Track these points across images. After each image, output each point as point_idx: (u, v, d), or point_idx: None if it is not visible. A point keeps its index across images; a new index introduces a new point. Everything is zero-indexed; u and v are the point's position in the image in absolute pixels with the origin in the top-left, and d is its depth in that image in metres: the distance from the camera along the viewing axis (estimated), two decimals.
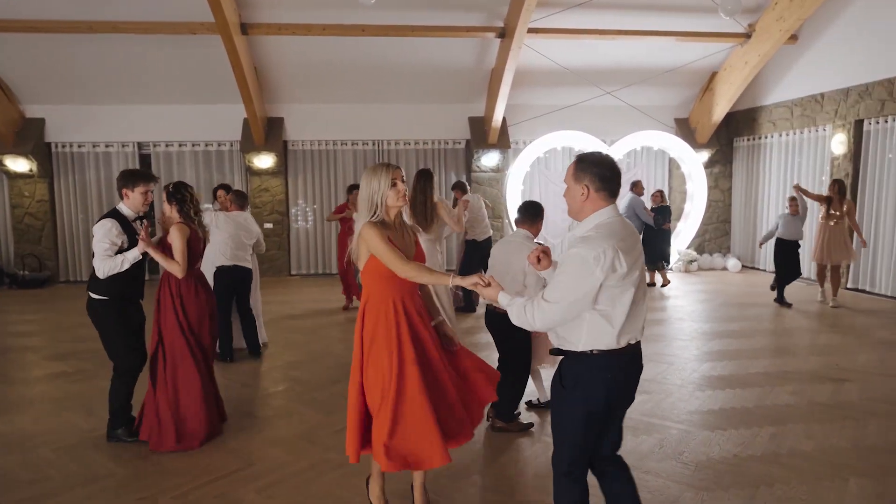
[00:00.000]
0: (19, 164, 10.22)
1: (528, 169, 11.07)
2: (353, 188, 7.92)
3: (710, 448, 3.81)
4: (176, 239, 3.92)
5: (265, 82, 10.21)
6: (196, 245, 4.09)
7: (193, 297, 4.05)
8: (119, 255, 3.86)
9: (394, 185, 2.84)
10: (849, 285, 8.92)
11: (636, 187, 9.92)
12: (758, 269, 11.18)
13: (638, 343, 2.40)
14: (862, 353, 5.79)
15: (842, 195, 7.84)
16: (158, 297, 4.06)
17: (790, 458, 3.68)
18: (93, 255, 3.95)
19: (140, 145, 10.77)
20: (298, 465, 3.70)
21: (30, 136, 10.23)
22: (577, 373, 2.35)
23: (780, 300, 8.12)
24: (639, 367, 2.45)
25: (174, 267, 3.93)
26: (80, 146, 10.61)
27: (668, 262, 10.28)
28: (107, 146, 10.68)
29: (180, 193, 4.03)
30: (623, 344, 2.32)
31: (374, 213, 2.84)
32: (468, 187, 8.37)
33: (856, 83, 8.87)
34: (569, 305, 2.24)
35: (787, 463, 3.61)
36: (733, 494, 3.23)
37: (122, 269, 3.85)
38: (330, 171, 11.19)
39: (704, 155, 11.64)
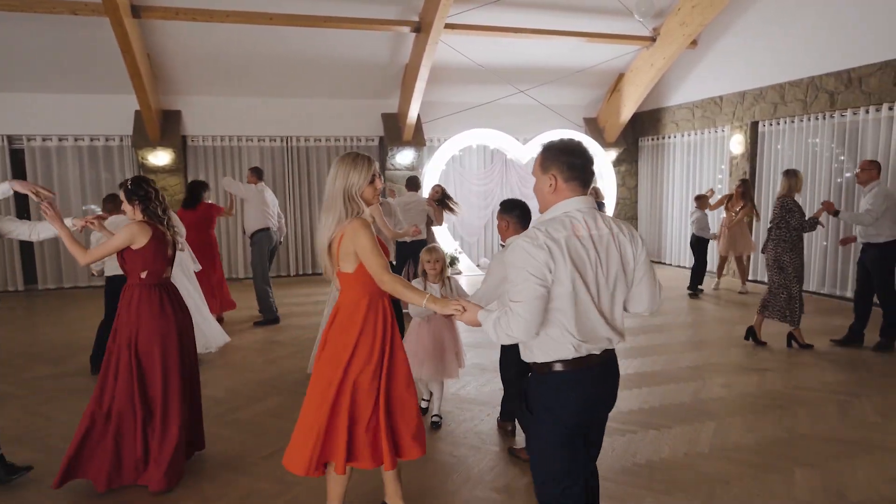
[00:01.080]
0: None
1: (444, 167, 10.92)
2: None
3: (660, 448, 3.79)
4: (117, 236, 3.34)
5: (160, 71, 9.35)
6: (161, 248, 3.43)
7: (158, 311, 3.38)
8: None
9: (372, 181, 2.67)
10: (750, 277, 9.49)
11: None
12: (664, 263, 11.70)
13: (609, 351, 2.14)
14: (775, 342, 6.09)
15: (745, 194, 8.56)
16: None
17: (737, 452, 3.72)
18: None
19: (11, 139, 9.55)
20: (227, 500, 3.27)
21: None
22: (542, 393, 2.09)
23: (695, 291, 8.64)
24: (613, 376, 2.19)
25: (77, 250, 3.33)
26: None
27: None
28: None
29: (142, 190, 3.39)
30: (584, 352, 2.04)
31: (349, 210, 2.62)
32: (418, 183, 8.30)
33: (751, 87, 9.46)
34: (535, 301, 1.95)
35: (736, 458, 3.64)
36: (692, 496, 3.20)
37: None
38: (234, 169, 10.46)
39: (613, 154, 12.04)
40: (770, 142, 9.33)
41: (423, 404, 4.44)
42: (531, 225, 2.19)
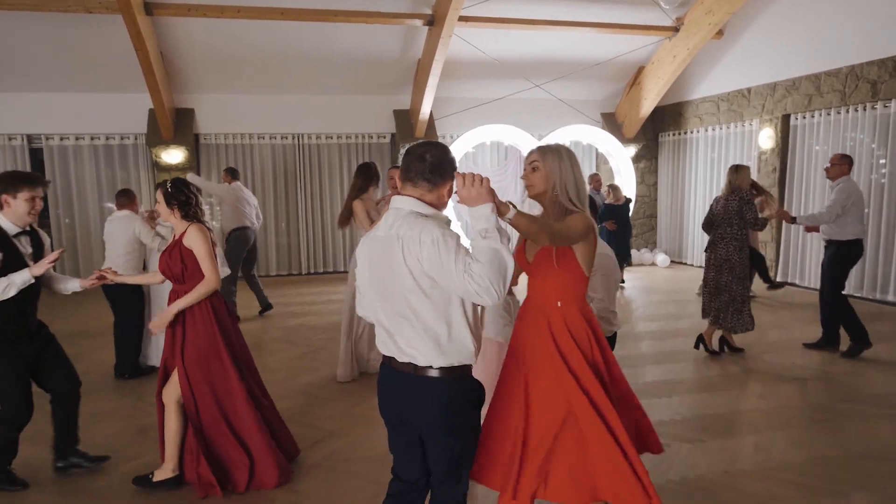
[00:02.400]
0: None
1: (457, 164, 10.69)
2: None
3: (695, 464, 3.54)
4: (198, 241, 3.23)
5: (173, 70, 9.28)
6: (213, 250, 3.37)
7: (207, 314, 3.30)
8: (3, 279, 3.06)
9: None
10: (778, 278, 9.15)
11: (593, 181, 9.50)
12: (685, 263, 11.38)
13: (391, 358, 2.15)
14: (813, 350, 5.77)
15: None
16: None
17: (783, 471, 3.45)
18: None
19: (30, 138, 9.56)
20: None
21: None
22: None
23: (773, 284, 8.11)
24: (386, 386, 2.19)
25: (205, 287, 3.22)
26: None
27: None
28: None
29: (183, 195, 3.29)
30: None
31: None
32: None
33: (783, 78, 9.09)
34: None
35: (783, 478, 3.37)
36: None
37: (7, 297, 3.05)
38: (247, 167, 10.38)
39: (632, 150, 11.73)
40: (804, 136, 8.96)
41: None
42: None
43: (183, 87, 9.68)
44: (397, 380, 2.13)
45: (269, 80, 9.83)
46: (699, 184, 11.04)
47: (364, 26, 8.93)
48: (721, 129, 10.52)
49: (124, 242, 5.34)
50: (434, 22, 8.90)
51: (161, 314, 3.31)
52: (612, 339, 3.37)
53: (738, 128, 10.14)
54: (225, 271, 6.06)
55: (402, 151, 10.53)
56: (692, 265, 11.12)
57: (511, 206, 2.13)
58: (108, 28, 7.98)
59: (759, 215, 5.53)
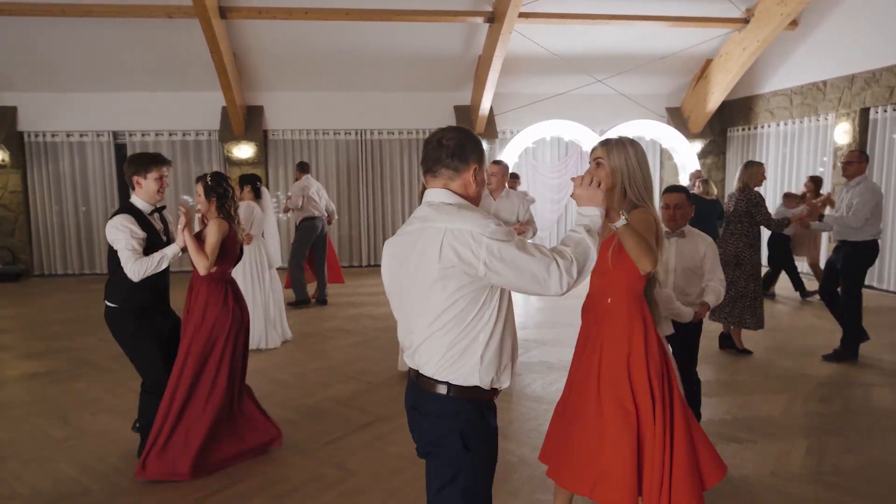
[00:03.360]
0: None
1: (517, 160, 10.74)
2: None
3: (741, 464, 3.51)
4: (212, 234, 3.45)
5: (245, 69, 9.77)
6: (232, 246, 3.59)
7: (220, 305, 3.51)
8: (156, 254, 3.35)
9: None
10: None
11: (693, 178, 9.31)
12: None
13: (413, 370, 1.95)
14: (886, 353, 5.54)
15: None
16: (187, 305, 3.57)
17: (835, 476, 3.36)
18: (110, 258, 3.42)
19: (116, 134, 10.31)
20: (291, 483, 3.37)
21: (1, 125, 9.74)
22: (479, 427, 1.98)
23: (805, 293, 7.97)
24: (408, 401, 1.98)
25: (201, 259, 3.42)
26: (53, 135, 10.13)
27: None
28: (81, 135, 10.22)
29: (222, 188, 3.53)
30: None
31: None
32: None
33: (862, 69, 8.61)
34: None
35: (833, 482, 3.29)
36: None
37: (161, 269, 3.36)
38: (311, 161, 10.77)
39: (698, 145, 11.41)
40: (884, 130, 8.47)
41: None
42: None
43: (253, 85, 10.17)
44: (411, 389, 1.96)
45: (333, 78, 10.18)
46: (769, 180, 10.59)
47: (425, 25, 9.11)
48: (794, 123, 10.07)
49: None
50: (494, 19, 8.97)
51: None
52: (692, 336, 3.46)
53: (812, 122, 9.69)
54: (277, 262, 6.41)
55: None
56: (763, 266, 10.70)
57: (622, 215, 2.18)
58: (186, 32, 8.50)
59: (783, 216, 5.47)
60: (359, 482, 3.39)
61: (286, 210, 8.12)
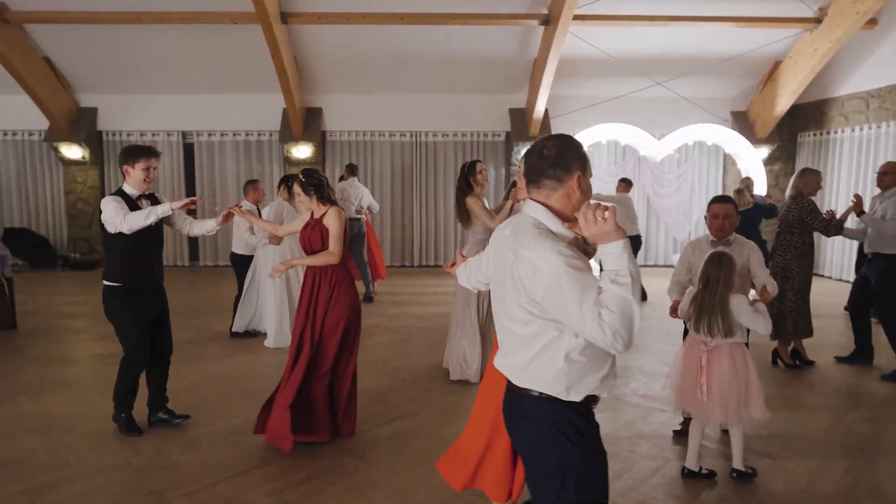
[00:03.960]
0: (73, 152, 10.51)
1: None
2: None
3: (771, 480, 3.37)
4: (334, 222, 3.71)
5: (305, 72, 10.12)
6: (348, 231, 3.87)
7: (346, 290, 3.79)
8: (147, 209, 3.64)
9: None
10: None
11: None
12: (823, 276, 10.38)
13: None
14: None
15: None
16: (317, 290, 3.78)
17: (873, 499, 3.19)
18: (103, 239, 3.78)
19: (184, 134, 10.90)
20: (312, 469, 3.51)
21: (83, 125, 10.50)
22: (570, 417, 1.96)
23: None
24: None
25: (326, 257, 3.70)
26: (128, 134, 10.82)
27: None
28: (153, 135, 10.86)
29: (315, 180, 3.80)
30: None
31: None
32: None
33: None
34: None
35: None
36: None
37: (148, 222, 3.60)
38: (367, 162, 11.05)
39: (764, 151, 10.91)
40: None
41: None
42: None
43: (313, 88, 10.52)
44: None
45: (389, 81, 10.39)
46: (843, 188, 10.02)
47: (480, 27, 9.17)
48: (870, 128, 9.47)
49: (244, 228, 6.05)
50: (549, 21, 8.91)
51: (280, 263, 3.87)
52: None
53: (891, 127, 9.07)
54: None
55: (517, 150, 10.69)
56: (831, 278, 10.13)
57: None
58: (250, 37, 8.89)
59: (834, 220, 5.17)
60: (375, 474, 3.47)
61: None
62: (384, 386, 4.95)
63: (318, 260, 3.72)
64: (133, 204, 3.75)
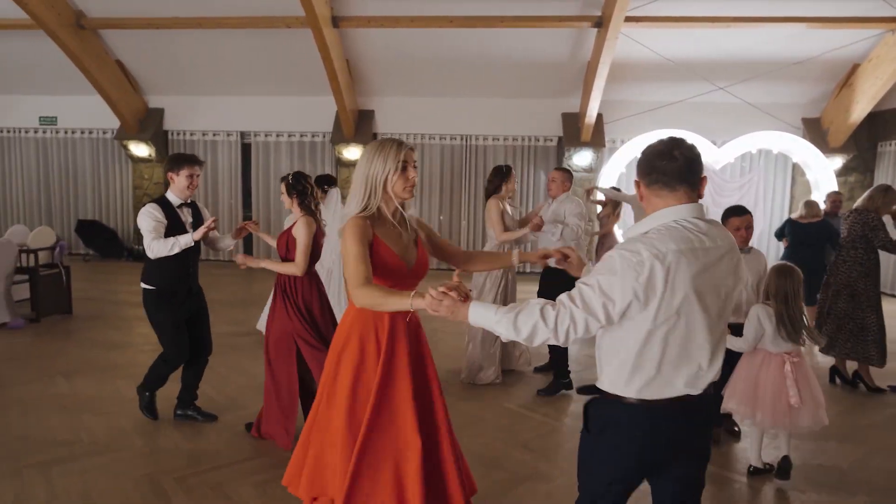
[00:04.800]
0: (141, 150, 11.15)
1: (624, 170, 10.25)
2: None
3: None
4: (302, 233, 3.64)
5: (357, 75, 10.30)
6: (319, 240, 3.83)
7: (310, 291, 3.77)
8: (170, 238, 3.72)
9: (404, 169, 2.33)
10: None
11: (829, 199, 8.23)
12: (888, 294, 9.54)
13: (697, 396, 1.84)
14: None
15: None
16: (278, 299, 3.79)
17: None
18: (140, 238, 3.90)
19: (243, 134, 11.34)
20: None
21: (150, 124, 11.12)
22: (606, 418, 1.89)
23: None
24: (693, 422, 1.88)
25: (290, 268, 3.65)
26: (191, 134, 11.36)
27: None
28: (214, 134, 11.36)
29: (301, 185, 3.79)
30: (665, 395, 1.80)
31: (367, 202, 2.31)
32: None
33: None
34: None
35: None
36: None
37: (171, 253, 3.69)
38: (417, 165, 11.07)
39: (837, 161, 10.15)
40: None
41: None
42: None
43: (366, 90, 10.69)
44: (698, 413, 1.96)
45: (440, 84, 10.40)
46: None
47: (531, 30, 9.03)
48: None
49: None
50: (602, 24, 8.66)
51: (242, 256, 3.79)
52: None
53: None
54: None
55: (567, 155, 10.46)
56: (894, 295, 9.31)
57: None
58: (303, 40, 9.13)
59: None
60: None
61: None
62: None
63: (283, 269, 3.68)
64: (173, 212, 3.84)
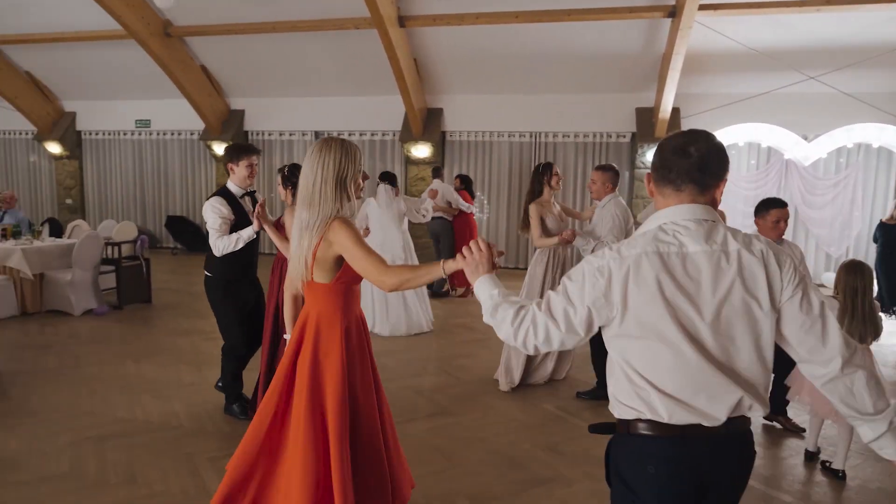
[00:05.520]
0: (223, 149, 11.78)
1: None
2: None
3: None
4: (288, 221, 3.77)
5: (426, 73, 10.38)
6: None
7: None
8: (234, 234, 3.81)
9: (360, 175, 2.39)
10: None
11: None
12: None
13: (720, 426, 1.54)
14: None
15: None
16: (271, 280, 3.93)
17: None
18: (207, 234, 3.96)
19: (317, 133, 11.72)
20: None
21: (232, 125, 11.74)
22: (617, 462, 1.67)
23: None
24: (722, 458, 1.58)
25: (284, 244, 3.72)
26: (269, 134, 11.88)
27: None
28: (290, 134, 11.82)
29: (295, 177, 3.88)
30: (676, 421, 1.53)
31: (340, 203, 2.30)
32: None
33: None
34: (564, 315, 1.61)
35: None
36: None
37: (237, 248, 3.78)
38: (485, 163, 11.06)
39: None
40: None
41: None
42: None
43: (434, 88, 10.75)
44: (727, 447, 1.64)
45: (508, 80, 10.29)
46: None
47: (601, 23, 8.75)
48: None
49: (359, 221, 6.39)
50: (676, 13, 8.25)
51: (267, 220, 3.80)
52: None
53: None
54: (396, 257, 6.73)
55: (641, 152, 10.06)
56: None
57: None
58: (372, 41, 9.31)
59: None
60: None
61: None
62: (436, 383, 4.92)
63: (279, 243, 3.67)
64: (236, 203, 3.94)
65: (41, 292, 6.77)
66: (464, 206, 8.51)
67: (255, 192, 4.11)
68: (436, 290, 8.33)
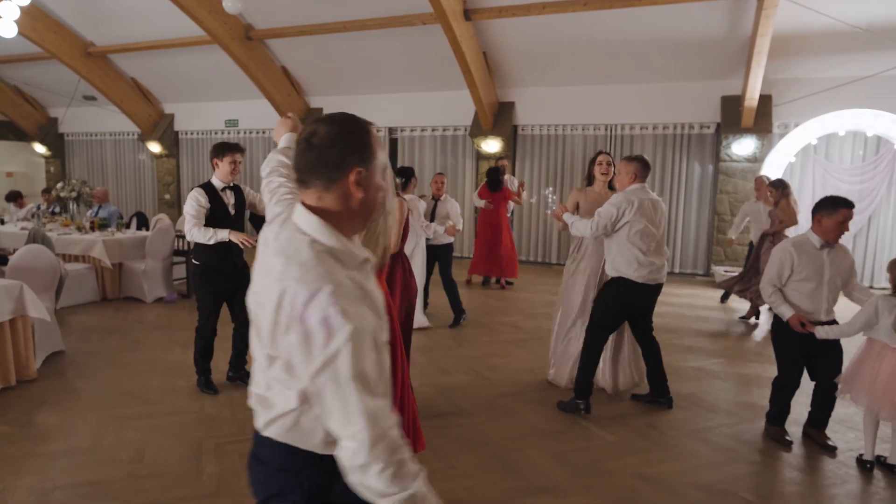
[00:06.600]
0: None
1: (794, 159, 8.83)
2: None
3: None
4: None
5: (496, 67, 10.20)
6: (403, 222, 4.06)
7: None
8: (210, 229, 4.11)
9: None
10: None
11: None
12: None
13: None
14: None
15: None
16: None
17: None
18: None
19: (391, 130, 11.88)
20: None
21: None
22: None
23: None
24: None
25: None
26: None
27: None
28: (377, 130, 12.00)
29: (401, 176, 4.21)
30: None
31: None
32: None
33: None
34: None
35: None
36: None
37: (209, 243, 4.11)
38: (557, 157, 10.72)
39: None
40: None
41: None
42: None
43: (505, 82, 10.55)
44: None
45: (581, 71, 9.89)
46: None
47: (677, 6, 8.17)
48: None
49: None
50: None
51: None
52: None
53: None
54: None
55: (726, 143, 9.30)
56: None
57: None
58: (440, 36, 9.26)
59: None
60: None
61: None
62: (462, 382, 4.80)
63: None
64: (216, 195, 4.26)
65: (119, 280, 7.35)
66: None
67: (238, 186, 4.38)
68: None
